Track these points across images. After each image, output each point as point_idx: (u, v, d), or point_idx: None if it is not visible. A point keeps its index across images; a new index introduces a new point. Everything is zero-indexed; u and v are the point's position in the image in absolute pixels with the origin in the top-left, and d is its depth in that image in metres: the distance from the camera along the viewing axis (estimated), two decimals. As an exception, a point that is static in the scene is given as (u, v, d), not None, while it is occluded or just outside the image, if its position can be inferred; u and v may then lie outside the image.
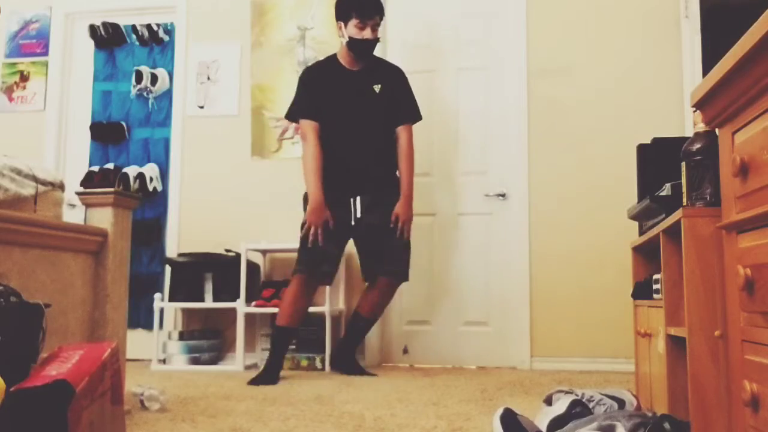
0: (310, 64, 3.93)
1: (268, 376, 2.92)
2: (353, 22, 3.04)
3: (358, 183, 3.09)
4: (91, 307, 1.97)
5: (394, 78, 3.19)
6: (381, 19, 3.11)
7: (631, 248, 2.31)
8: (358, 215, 3.07)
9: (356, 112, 3.11)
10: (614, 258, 3.39)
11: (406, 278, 3.14)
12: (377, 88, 3.13)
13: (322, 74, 3.18)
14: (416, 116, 3.21)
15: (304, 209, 3.08)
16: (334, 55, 3.21)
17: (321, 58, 3.87)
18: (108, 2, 4.23)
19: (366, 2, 3.05)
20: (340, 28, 3.11)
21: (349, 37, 3.07)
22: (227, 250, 3.70)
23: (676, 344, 1.67)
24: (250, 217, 3.89)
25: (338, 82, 3.14)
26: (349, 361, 3.21)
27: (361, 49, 3.09)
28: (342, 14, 3.09)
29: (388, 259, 3.08)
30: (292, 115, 3.23)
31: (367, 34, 3.05)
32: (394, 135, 3.15)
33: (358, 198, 3.08)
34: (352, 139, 3.09)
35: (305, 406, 2.22)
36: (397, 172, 3.16)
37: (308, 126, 3.09)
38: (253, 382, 2.85)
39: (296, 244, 3.65)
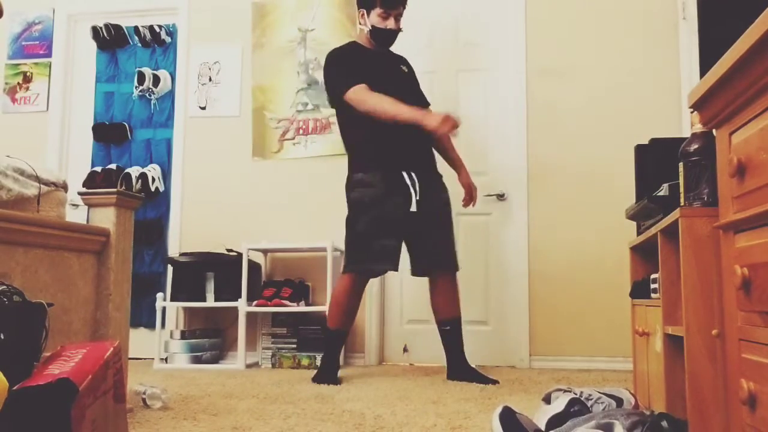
0: (310, 65, 3.96)
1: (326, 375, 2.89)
2: (377, 11, 2.97)
3: (410, 157, 2.93)
4: (93, 306, 1.98)
5: (408, 65, 3.21)
6: (404, 9, 3.05)
7: (629, 248, 2.32)
8: (418, 197, 2.87)
9: (394, 88, 2.97)
10: (612, 257, 3.40)
11: (458, 268, 3.00)
12: (405, 68, 3.13)
13: (352, 53, 3.08)
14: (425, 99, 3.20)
15: (348, 202, 2.93)
16: (354, 41, 3.13)
17: (321, 59, 3.86)
18: (110, 4, 4.25)
19: None
20: (362, 15, 3.02)
21: (372, 26, 3.00)
22: (229, 250, 3.71)
23: (673, 343, 1.67)
24: (252, 217, 3.90)
25: (369, 61, 3.05)
26: (463, 369, 2.91)
27: (383, 38, 3.02)
28: (365, 2, 3.01)
29: (440, 252, 2.91)
30: (341, 89, 2.91)
31: (390, 23, 3.00)
32: None
33: (414, 175, 2.88)
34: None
35: (306, 404, 2.23)
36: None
37: (361, 87, 2.85)
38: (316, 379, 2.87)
39: (297, 244, 3.69)
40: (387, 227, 2.85)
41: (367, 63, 3.02)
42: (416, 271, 2.99)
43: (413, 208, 2.86)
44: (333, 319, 2.95)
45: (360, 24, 3.07)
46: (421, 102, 3.09)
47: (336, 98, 2.96)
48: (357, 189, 2.90)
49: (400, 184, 2.87)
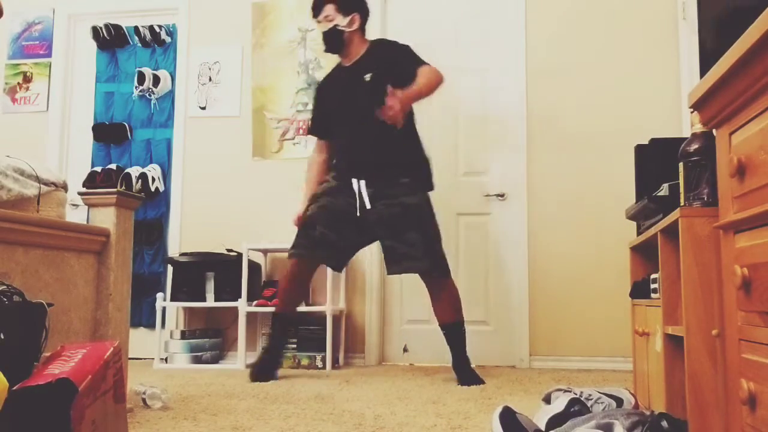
0: (310, 65, 3.96)
1: (263, 366, 2.94)
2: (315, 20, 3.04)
3: (359, 168, 2.96)
4: (93, 306, 1.98)
5: (387, 55, 3.00)
6: (339, 6, 2.98)
7: (629, 248, 2.32)
8: (367, 206, 2.90)
9: (349, 105, 3.01)
10: (612, 257, 3.40)
11: (432, 270, 2.86)
12: (368, 76, 2.99)
13: (325, 83, 3.18)
14: (421, 61, 2.96)
15: (307, 206, 3.05)
16: (339, 62, 3.16)
17: (322, 59, 3.88)
18: (110, 4, 4.25)
19: None
20: None
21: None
22: (229, 250, 3.71)
23: (673, 343, 1.67)
24: (252, 217, 3.90)
25: (335, 83, 3.11)
26: (463, 371, 2.90)
27: (324, 43, 3.05)
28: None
29: (406, 255, 2.85)
30: (310, 132, 3.32)
31: (321, 27, 3.02)
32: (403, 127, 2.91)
33: (363, 183, 2.91)
34: (350, 132, 3.01)
35: (306, 404, 2.23)
36: (416, 163, 2.98)
37: (315, 143, 3.21)
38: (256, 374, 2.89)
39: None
40: (332, 217, 2.92)
41: (333, 87, 3.10)
42: (387, 271, 2.98)
43: (358, 213, 2.92)
44: (279, 303, 3.05)
45: None
46: (411, 72, 2.90)
47: None
48: (318, 187, 3.06)
49: (347, 188, 2.95)
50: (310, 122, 3.28)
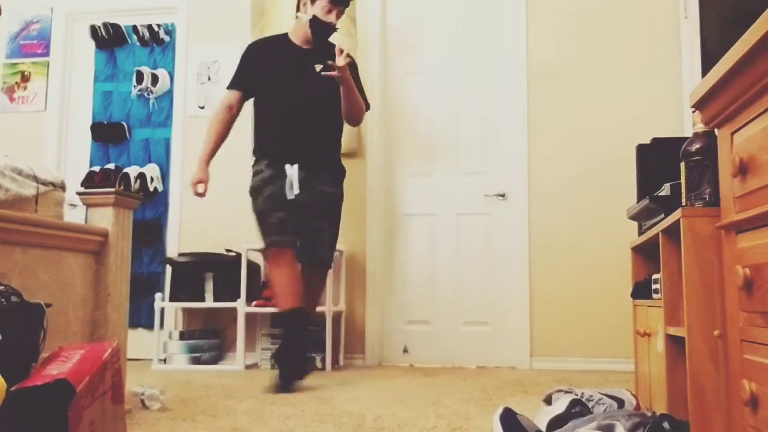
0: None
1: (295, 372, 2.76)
2: (323, 2, 2.99)
3: (291, 153, 2.99)
4: (91, 306, 1.97)
5: (330, 62, 2.96)
6: (343, 13, 3.07)
7: (631, 248, 2.31)
8: (297, 190, 2.94)
9: (294, 86, 3.02)
10: (614, 258, 3.39)
11: (328, 266, 3.06)
12: (318, 67, 3.00)
13: (264, 48, 3.15)
14: (361, 84, 3.11)
15: (252, 202, 3.07)
16: (285, 34, 3.15)
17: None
18: (109, 3, 4.24)
19: None
20: (305, 4, 3.03)
21: (314, 15, 3.00)
22: (228, 250, 3.70)
23: (675, 344, 1.67)
24: (251, 217, 3.88)
25: (281, 55, 3.08)
26: (283, 356, 2.82)
27: (321, 30, 3.03)
28: None
29: (309, 247, 2.95)
30: (227, 85, 3.16)
31: (332, 17, 3.01)
32: (338, 119, 3.07)
33: (296, 167, 2.95)
34: (289, 113, 3.02)
35: (305, 405, 2.22)
36: (339, 156, 3.12)
37: (229, 93, 3.11)
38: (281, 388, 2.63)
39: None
40: (277, 202, 2.96)
41: (276, 57, 3.07)
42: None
43: (290, 196, 2.96)
44: (284, 300, 2.86)
45: (300, 13, 3.07)
46: (331, 103, 3.01)
47: None
48: (252, 179, 3.07)
49: (282, 174, 2.97)
50: (234, 77, 3.13)
